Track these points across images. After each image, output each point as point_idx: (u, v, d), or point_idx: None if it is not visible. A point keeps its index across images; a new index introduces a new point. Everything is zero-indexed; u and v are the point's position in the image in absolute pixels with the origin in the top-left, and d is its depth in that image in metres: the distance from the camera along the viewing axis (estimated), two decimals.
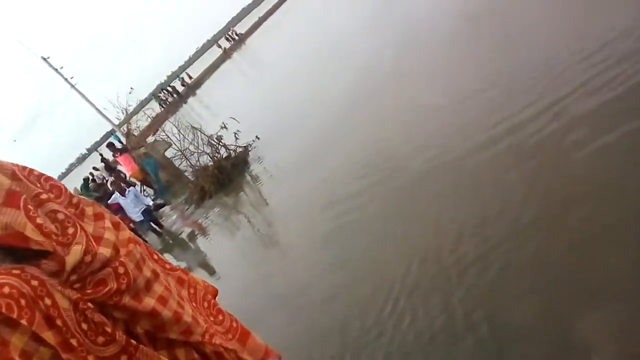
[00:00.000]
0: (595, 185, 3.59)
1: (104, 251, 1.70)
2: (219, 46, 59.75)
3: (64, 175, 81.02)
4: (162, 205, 13.42)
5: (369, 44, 12.46)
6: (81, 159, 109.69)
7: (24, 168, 1.70)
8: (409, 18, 11.84)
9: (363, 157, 6.93)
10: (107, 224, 1.81)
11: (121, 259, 1.73)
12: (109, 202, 11.12)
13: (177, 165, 13.54)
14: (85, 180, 16.70)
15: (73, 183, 18.53)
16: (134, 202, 10.74)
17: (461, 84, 6.69)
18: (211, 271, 7.80)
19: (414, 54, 9.34)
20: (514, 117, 5.01)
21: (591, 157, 3.84)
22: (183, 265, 8.79)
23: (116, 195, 10.98)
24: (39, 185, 1.69)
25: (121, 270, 1.70)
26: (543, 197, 3.83)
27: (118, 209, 10.76)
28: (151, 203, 11.52)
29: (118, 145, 16.52)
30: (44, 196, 1.65)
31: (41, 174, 1.74)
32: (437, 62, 8.26)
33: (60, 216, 1.66)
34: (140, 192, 13.65)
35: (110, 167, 18.07)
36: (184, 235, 10.70)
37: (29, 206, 1.57)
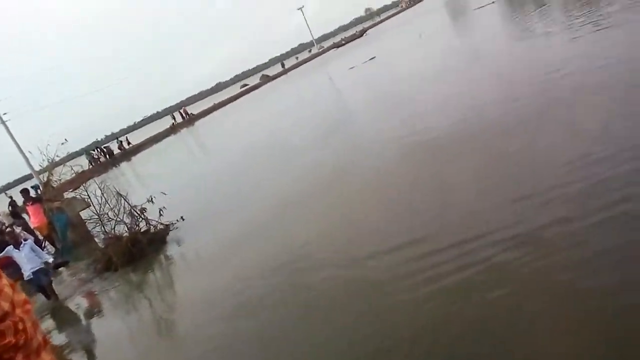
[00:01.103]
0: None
1: (4, 304, 1.60)
2: (174, 117, 59.99)
3: None
4: (62, 265, 12.37)
5: (314, 154, 13.02)
6: None
7: None
8: (357, 139, 12.64)
9: (282, 262, 6.92)
10: (4, 281, 1.72)
11: (20, 316, 1.64)
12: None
13: (89, 229, 12.75)
14: None
15: None
16: (28, 256, 9.75)
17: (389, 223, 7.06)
18: (91, 356, 7.07)
19: (354, 174, 9.81)
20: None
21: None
22: (63, 339, 7.93)
23: (10, 248, 9.92)
24: None
25: (20, 326, 1.61)
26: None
27: (8, 264, 9.68)
28: (51, 260, 10.52)
29: (32, 194, 15.45)
30: None
31: None
32: (370, 188, 8.71)
33: None
34: (42, 247, 12.56)
35: (16, 214, 16.66)
36: (73, 305, 9.75)
37: None
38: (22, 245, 9.72)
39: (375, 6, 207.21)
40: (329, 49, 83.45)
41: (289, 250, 7.25)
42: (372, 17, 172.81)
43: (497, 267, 4.53)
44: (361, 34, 77.99)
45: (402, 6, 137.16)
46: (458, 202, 6.26)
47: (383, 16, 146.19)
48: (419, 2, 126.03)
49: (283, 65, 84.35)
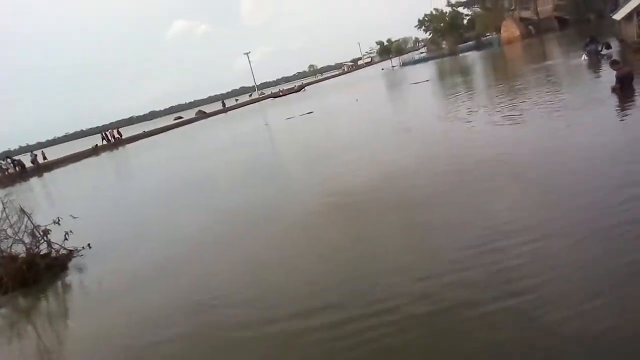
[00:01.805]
0: None
1: None
2: (105, 137, 57.17)
3: None
4: None
5: (239, 197, 12.97)
6: None
7: None
8: (282, 190, 12.80)
9: (181, 306, 6.75)
10: None
11: None
12: None
13: None
14: None
15: None
16: None
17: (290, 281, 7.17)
18: None
19: (272, 223, 9.87)
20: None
21: None
22: None
23: None
24: None
25: None
26: None
27: None
28: None
29: None
30: None
31: None
32: (285, 240, 8.80)
33: None
34: None
35: None
36: None
37: None
38: None
39: (319, 64, 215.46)
40: (267, 97, 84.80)
41: (191, 297, 7.03)
42: (314, 74, 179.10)
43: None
44: (299, 89, 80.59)
45: (344, 69, 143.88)
46: (365, 273, 6.39)
47: (325, 75, 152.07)
48: (360, 68, 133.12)
49: (224, 104, 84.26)
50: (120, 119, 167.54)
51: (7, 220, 10.68)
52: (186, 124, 69.78)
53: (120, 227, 13.27)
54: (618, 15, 25.74)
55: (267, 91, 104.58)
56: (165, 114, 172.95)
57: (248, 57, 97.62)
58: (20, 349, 7.10)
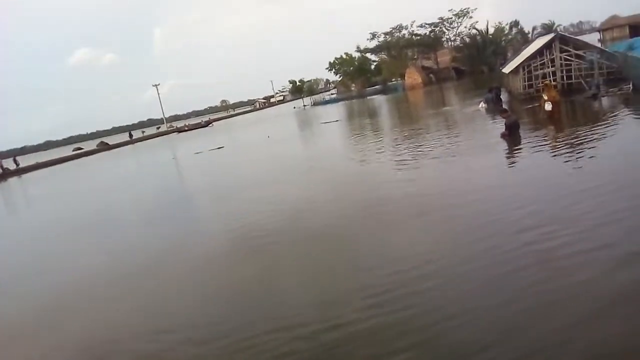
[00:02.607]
0: None
1: None
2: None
3: None
4: None
5: (144, 231, 12.04)
6: None
7: None
8: (188, 225, 12.09)
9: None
10: None
11: None
12: None
13: None
14: None
15: None
16: None
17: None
18: None
19: (177, 259, 9.18)
20: None
21: None
22: None
23: None
24: None
25: None
26: None
27: None
28: None
29: None
30: None
31: None
32: (190, 277, 8.19)
33: None
34: None
35: None
36: None
37: None
38: None
39: (232, 100, 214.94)
40: (172, 131, 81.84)
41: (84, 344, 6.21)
42: (226, 109, 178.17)
43: None
44: (206, 124, 79.46)
45: (256, 106, 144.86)
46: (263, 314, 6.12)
47: (238, 110, 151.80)
48: (272, 105, 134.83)
49: (130, 136, 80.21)
50: (12, 147, 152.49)
51: None
52: (86, 155, 65.32)
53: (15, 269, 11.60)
54: (507, 69, 28.56)
55: (179, 124, 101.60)
56: (63, 144, 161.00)
57: (157, 88, 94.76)
58: None
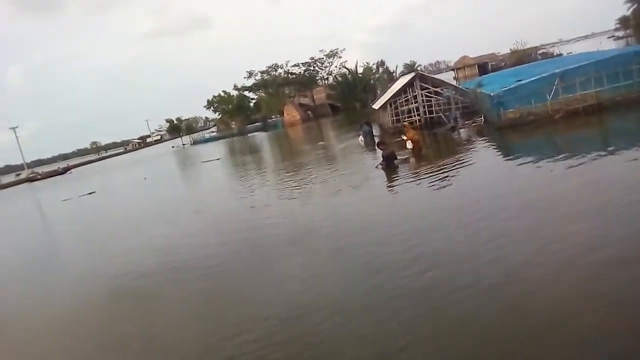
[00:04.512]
0: None
1: None
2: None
3: None
4: None
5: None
6: None
7: None
8: (59, 278, 10.79)
9: None
10: None
11: None
12: None
13: None
14: None
15: None
16: None
17: None
18: None
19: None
20: None
21: None
22: None
23: None
24: None
25: None
26: None
27: None
28: None
29: None
30: None
31: None
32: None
33: None
34: None
35: None
36: None
37: None
38: None
39: (103, 141, 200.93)
40: (23, 180, 72.97)
41: None
42: (97, 151, 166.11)
43: None
44: (65, 170, 73.07)
45: (131, 147, 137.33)
46: None
47: (110, 152, 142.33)
48: (149, 145, 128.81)
49: None
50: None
51: None
52: None
53: None
54: (376, 105, 30.73)
55: (44, 168, 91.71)
56: None
57: (15, 132, 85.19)
58: None
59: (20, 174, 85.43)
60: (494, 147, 15.61)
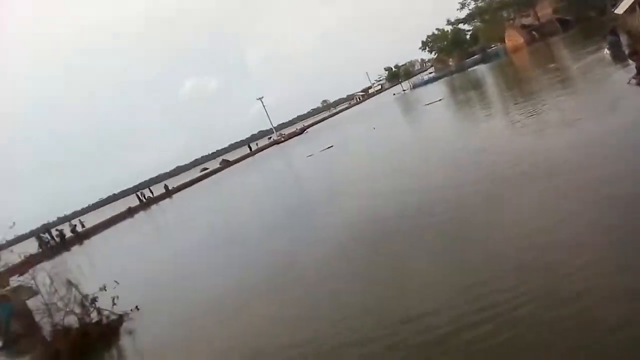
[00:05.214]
0: None
1: None
2: (142, 195, 58.77)
3: None
4: None
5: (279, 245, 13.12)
6: None
7: None
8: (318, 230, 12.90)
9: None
10: None
11: None
12: None
13: (36, 319, 11.96)
14: None
15: None
16: None
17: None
18: None
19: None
20: None
21: None
22: None
23: None
24: None
25: None
26: None
27: None
28: None
29: None
30: None
31: None
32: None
33: None
34: None
35: None
36: None
37: None
38: None
39: (331, 98, 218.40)
40: (272, 144, 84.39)
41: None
42: (328, 108, 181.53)
43: None
44: (301, 131, 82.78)
45: (357, 99, 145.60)
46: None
47: (338, 108, 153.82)
48: (371, 96, 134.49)
49: (250, 148, 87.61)
50: (149, 177, 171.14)
51: (56, 293, 11.00)
52: (212, 174, 70.69)
53: (169, 287, 13.36)
54: (620, 9, 25.66)
55: (287, 130, 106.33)
56: (190, 167, 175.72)
57: (262, 102, 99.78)
58: None
59: (270, 137, 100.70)
60: None
